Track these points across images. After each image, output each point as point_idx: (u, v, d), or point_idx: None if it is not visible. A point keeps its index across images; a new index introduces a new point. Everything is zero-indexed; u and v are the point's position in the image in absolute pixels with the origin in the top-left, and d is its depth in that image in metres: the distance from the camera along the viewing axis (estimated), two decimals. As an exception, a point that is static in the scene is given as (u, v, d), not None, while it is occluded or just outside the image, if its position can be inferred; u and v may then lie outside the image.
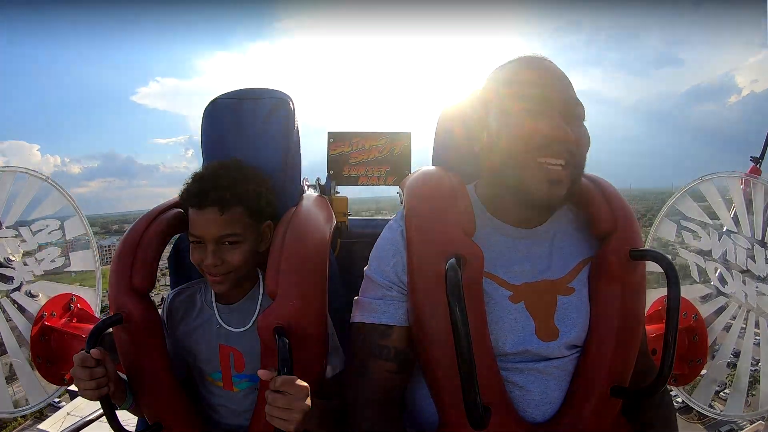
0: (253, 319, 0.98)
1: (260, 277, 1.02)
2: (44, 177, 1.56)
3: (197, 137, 1.21)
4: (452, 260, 0.73)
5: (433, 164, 1.03)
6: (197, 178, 0.97)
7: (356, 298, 0.90)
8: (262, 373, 0.79)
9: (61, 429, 2.21)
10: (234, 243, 0.93)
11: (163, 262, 1.16)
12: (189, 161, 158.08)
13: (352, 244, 1.40)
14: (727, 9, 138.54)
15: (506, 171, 0.79)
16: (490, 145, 0.82)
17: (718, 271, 1.54)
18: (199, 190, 0.93)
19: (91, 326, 0.87)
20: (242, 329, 0.99)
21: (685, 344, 1.52)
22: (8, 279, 1.49)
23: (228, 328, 0.99)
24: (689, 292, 1.56)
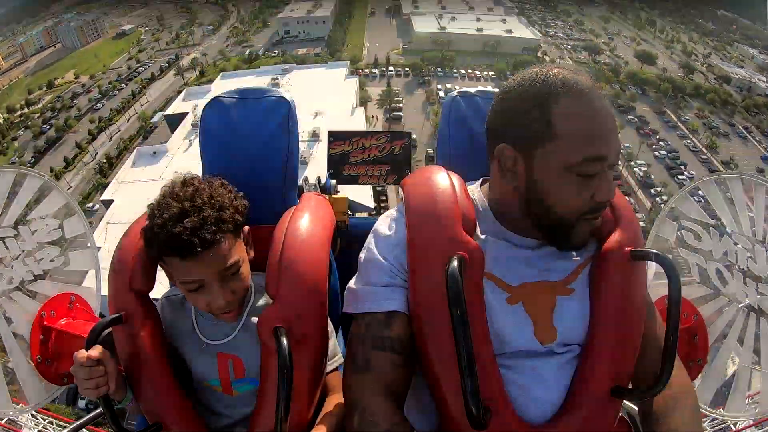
0: (240, 324, 0.97)
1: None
2: (44, 177, 1.56)
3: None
4: (453, 260, 0.73)
5: (436, 163, 1.03)
6: (162, 223, 0.83)
7: (352, 286, 0.88)
8: None
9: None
10: (237, 270, 0.90)
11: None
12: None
13: (352, 244, 1.40)
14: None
15: (549, 223, 0.80)
16: (531, 192, 0.79)
17: (719, 271, 1.54)
18: (174, 237, 0.81)
19: (91, 326, 0.86)
20: (227, 339, 0.96)
21: (686, 344, 1.52)
22: (8, 279, 1.49)
23: (210, 342, 0.97)
24: (689, 292, 1.56)
